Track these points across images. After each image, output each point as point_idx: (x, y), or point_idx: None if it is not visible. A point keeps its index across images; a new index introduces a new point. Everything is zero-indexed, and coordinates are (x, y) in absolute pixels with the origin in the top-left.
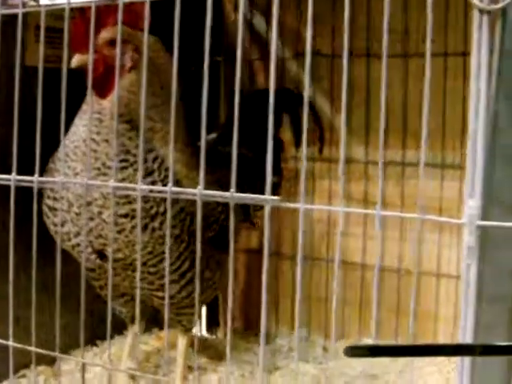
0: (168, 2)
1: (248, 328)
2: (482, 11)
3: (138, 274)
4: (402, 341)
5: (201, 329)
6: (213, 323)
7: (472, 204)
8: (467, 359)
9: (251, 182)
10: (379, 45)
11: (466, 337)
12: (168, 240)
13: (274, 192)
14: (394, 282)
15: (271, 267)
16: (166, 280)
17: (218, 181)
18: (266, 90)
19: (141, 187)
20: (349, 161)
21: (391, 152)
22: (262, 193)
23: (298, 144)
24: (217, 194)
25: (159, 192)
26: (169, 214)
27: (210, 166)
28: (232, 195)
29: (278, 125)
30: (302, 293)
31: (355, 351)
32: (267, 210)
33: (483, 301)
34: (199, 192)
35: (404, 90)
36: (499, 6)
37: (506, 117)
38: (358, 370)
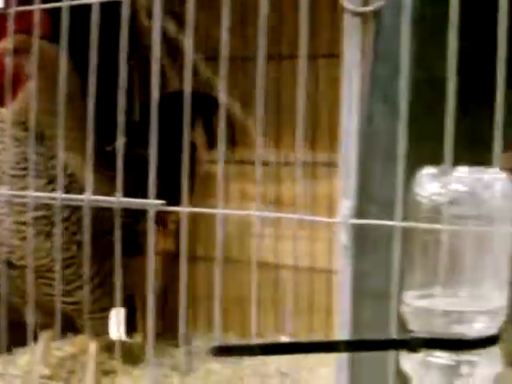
0: (80, 9)
1: (165, 331)
2: (353, 13)
3: (29, 279)
4: (316, 338)
5: (119, 333)
6: (131, 327)
7: (346, 203)
8: (344, 355)
9: (162, 185)
10: (288, 46)
11: (343, 333)
12: (59, 245)
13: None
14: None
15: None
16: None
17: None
18: (177, 93)
19: (32, 194)
20: (262, 163)
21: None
22: (176, 197)
23: (211, 146)
24: (103, 200)
25: (51, 199)
26: (58, 220)
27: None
28: (118, 200)
29: (190, 127)
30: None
31: (221, 350)
32: (151, 214)
33: (364, 297)
34: (86, 198)
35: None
36: (370, 8)
37: (382, 117)
38: (272, 368)
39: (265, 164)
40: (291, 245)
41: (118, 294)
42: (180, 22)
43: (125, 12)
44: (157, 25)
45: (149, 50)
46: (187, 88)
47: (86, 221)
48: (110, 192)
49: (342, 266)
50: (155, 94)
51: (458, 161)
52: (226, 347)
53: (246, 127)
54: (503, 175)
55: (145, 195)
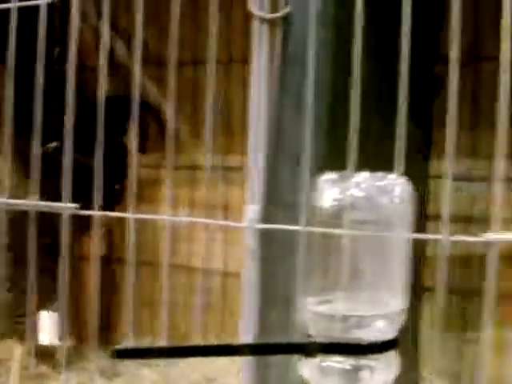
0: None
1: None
2: (261, 20)
3: None
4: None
5: (50, 337)
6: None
7: (252, 208)
8: (252, 359)
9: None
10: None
11: (248, 336)
12: None
13: (117, 199)
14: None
15: (112, 274)
16: None
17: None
18: (110, 98)
19: None
20: (195, 167)
21: (233, 158)
22: (107, 200)
23: (143, 151)
24: (19, 203)
25: None
26: None
27: (46, 175)
28: (33, 203)
29: (122, 132)
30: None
31: (120, 353)
32: (65, 217)
33: (274, 301)
34: (3, 201)
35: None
36: (279, 15)
37: (291, 121)
38: (198, 374)
39: (197, 168)
40: (221, 250)
41: (30, 298)
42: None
43: (43, 16)
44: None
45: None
46: (100, 92)
47: (2, 224)
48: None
49: (249, 270)
50: (71, 100)
51: (370, 165)
52: (125, 350)
53: (178, 132)
54: (402, 181)
55: (76, 199)
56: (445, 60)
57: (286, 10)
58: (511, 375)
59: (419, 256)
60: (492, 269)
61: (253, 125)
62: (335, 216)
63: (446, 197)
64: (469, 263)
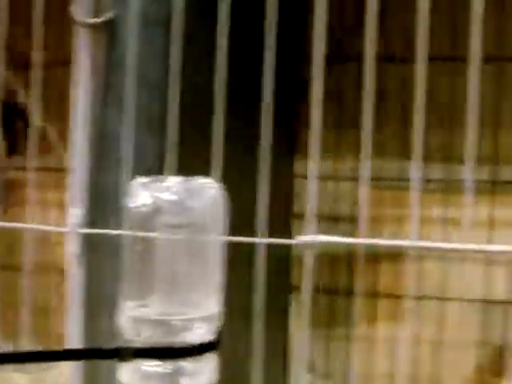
0: None
1: None
2: (83, 25)
3: None
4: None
5: None
6: None
7: (75, 212)
8: (77, 364)
9: None
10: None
11: (73, 341)
12: None
13: None
14: None
15: None
16: None
17: None
18: None
19: None
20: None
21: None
22: None
23: (11, 152)
24: None
25: None
26: None
27: None
28: None
29: None
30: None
31: None
32: None
33: (100, 306)
34: None
35: None
36: (100, 20)
37: (115, 124)
38: (64, 378)
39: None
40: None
41: None
42: None
43: None
44: None
45: None
46: None
47: None
48: None
49: (73, 275)
50: None
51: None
52: None
53: (46, 133)
54: (215, 184)
55: None
56: (310, 61)
57: (109, 14)
58: (379, 370)
59: (286, 257)
60: (308, 269)
61: (76, 127)
62: (147, 220)
63: (262, 196)
64: (336, 262)
